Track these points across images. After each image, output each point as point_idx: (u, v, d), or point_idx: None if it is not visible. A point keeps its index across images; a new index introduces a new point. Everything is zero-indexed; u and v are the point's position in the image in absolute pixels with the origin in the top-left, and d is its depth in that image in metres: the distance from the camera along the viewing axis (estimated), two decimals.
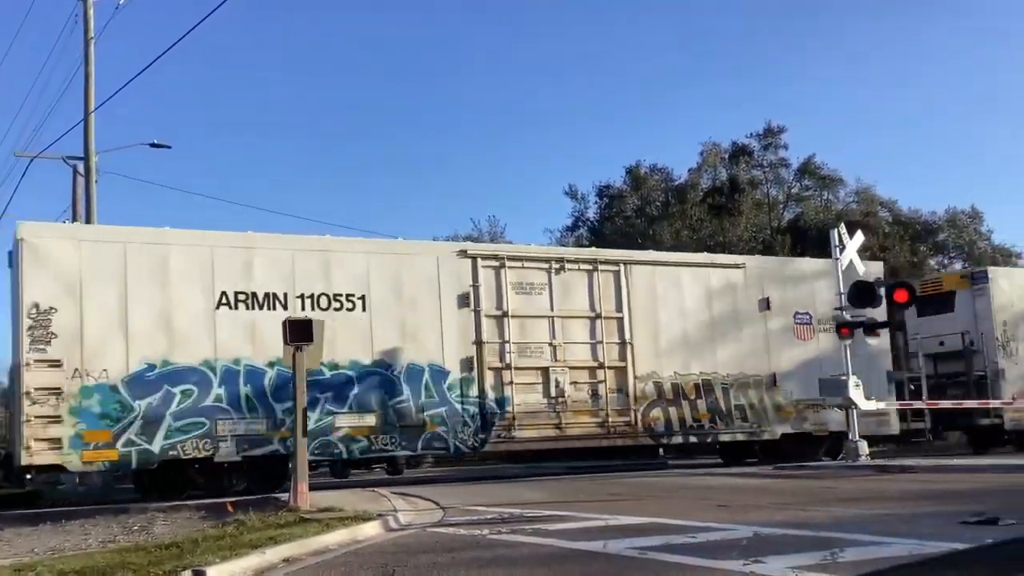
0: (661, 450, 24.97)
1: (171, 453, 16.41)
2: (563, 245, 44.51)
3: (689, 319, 21.21)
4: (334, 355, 17.50)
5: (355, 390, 17.94)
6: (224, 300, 17.24)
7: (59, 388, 15.70)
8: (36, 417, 15.54)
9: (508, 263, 19.73)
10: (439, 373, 18.79)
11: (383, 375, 18.26)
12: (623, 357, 20.41)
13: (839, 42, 77.13)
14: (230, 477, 17.21)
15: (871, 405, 20.26)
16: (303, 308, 17.52)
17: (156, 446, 16.29)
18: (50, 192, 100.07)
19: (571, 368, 19.91)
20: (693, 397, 20.91)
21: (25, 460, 15.47)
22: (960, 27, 72.99)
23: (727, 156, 40.11)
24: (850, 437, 19.94)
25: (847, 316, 20.32)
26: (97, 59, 25.07)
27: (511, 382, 19.27)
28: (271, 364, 16.98)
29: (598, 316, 20.31)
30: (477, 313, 19.21)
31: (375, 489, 16.28)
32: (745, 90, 75.15)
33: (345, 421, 17.76)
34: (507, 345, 19.37)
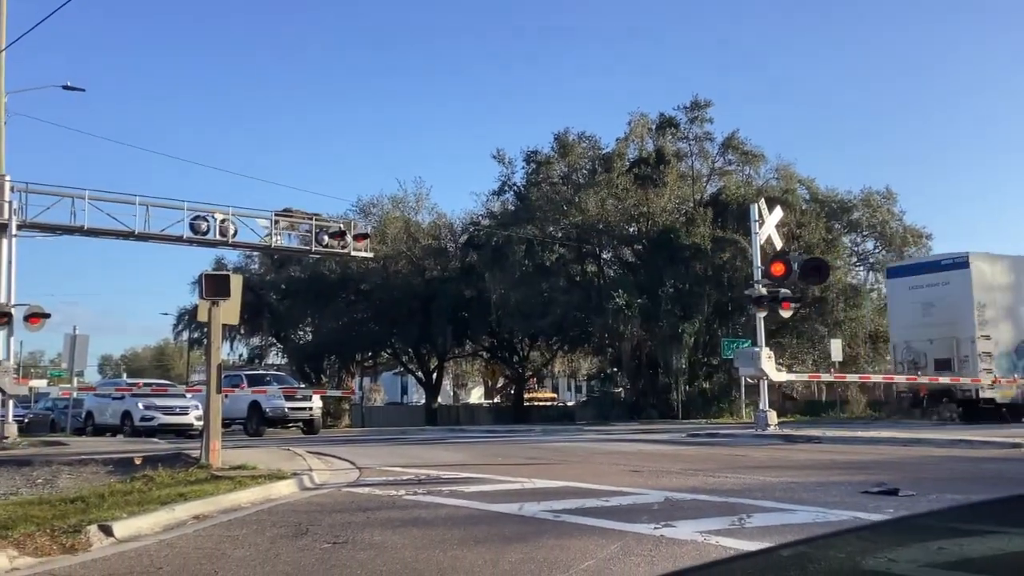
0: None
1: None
2: (489, 209, 44.34)
3: None
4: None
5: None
6: None
7: (990, 353, 26.06)
8: (984, 370, 25.66)
9: None
10: None
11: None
12: None
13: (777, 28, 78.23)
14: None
15: (783, 376, 20.82)
16: None
17: None
18: None
19: None
20: None
21: (984, 395, 25.64)
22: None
23: (654, 127, 40.28)
24: (761, 407, 20.49)
25: (762, 290, 20.79)
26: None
27: None
28: None
29: None
30: None
31: (290, 448, 16.13)
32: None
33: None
34: None
